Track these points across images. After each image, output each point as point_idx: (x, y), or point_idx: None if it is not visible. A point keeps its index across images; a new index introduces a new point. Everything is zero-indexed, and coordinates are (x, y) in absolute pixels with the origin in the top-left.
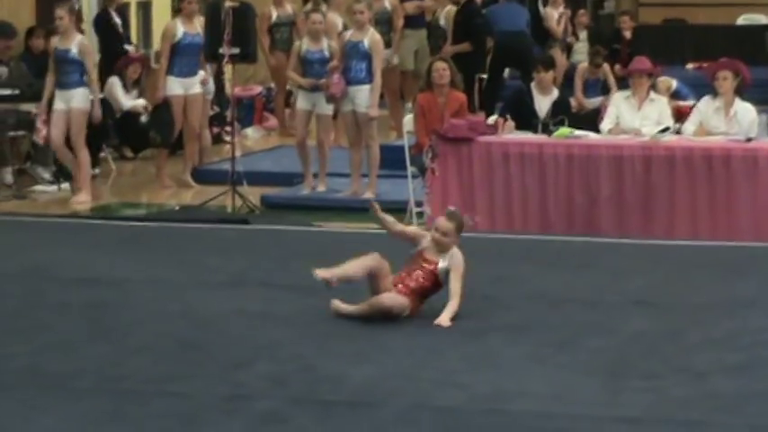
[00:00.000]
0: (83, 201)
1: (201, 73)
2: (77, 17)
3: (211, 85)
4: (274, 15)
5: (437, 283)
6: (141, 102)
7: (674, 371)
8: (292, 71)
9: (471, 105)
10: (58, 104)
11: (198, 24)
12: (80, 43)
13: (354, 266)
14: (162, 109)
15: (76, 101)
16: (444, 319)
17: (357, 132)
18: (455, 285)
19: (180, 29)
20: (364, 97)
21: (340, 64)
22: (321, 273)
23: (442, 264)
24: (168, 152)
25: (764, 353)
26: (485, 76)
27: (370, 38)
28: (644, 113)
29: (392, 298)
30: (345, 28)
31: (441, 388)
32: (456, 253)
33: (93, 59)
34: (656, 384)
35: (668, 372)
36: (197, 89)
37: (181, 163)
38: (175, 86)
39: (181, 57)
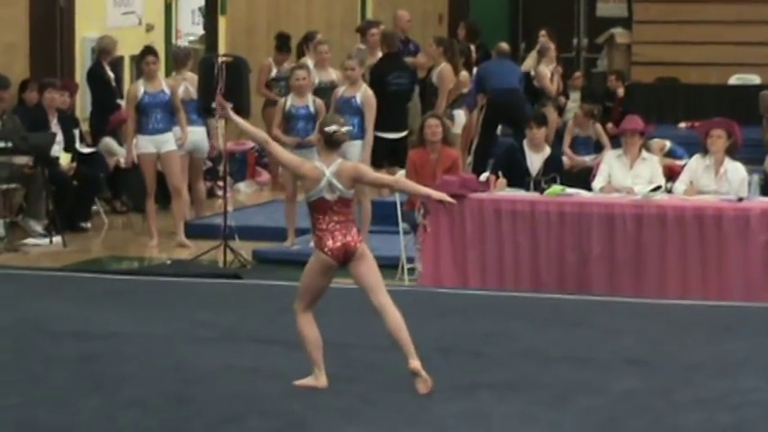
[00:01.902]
0: None
1: (177, 130)
2: None
3: (206, 144)
4: (274, 71)
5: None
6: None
7: (663, 430)
8: (277, 127)
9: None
10: None
11: (163, 82)
12: None
13: (314, 349)
14: (131, 173)
15: None
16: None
17: None
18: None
19: (141, 89)
20: (356, 153)
21: None
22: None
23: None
24: (158, 207)
25: (754, 413)
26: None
27: (363, 93)
28: (636, 172)
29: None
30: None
31: None
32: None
33: None
34: None
35: (658, 431)
36: (171, 146)
37: (172, 217)
38: (147, 144)
39: (147, 116)
